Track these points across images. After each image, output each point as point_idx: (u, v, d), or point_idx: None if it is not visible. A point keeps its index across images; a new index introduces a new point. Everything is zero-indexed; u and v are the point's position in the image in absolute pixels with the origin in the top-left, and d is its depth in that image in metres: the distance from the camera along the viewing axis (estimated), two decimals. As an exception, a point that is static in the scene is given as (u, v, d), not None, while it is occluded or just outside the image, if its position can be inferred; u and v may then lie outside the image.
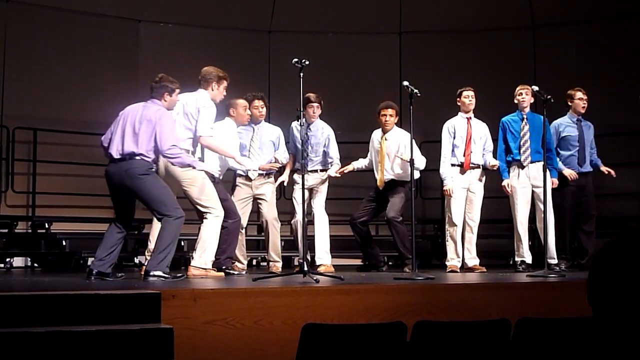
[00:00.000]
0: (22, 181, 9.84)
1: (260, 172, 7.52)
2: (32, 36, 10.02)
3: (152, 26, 10.83)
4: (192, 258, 6.47)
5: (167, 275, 5.88)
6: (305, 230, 6.53)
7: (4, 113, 9.80)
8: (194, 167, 6.32)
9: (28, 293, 4.50)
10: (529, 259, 7.82)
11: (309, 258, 7.67)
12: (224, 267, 6.89)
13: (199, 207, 6.46)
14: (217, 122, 6.98)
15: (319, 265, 7.55)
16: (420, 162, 7.74)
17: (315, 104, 7.78)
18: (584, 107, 8.12)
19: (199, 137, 6.56)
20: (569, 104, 8.15)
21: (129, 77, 10.32)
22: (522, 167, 7.80)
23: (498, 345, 3.96)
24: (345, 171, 7.89)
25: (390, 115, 7.84)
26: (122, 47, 10.58)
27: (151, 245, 6.43)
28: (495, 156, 7.94)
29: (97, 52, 10.30)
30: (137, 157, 6.00)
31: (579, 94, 8.13)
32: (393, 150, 7.83)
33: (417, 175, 7.83)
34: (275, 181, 7.79)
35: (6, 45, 9.83)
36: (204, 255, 6.41)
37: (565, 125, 8.12)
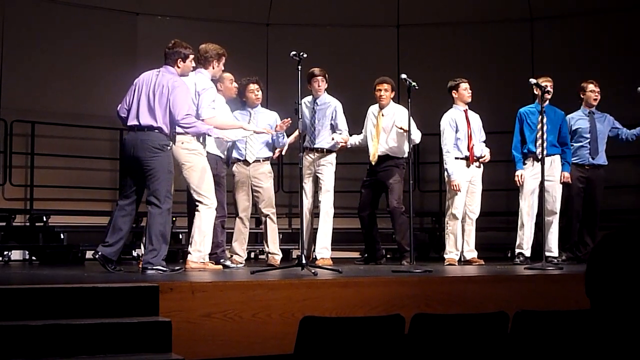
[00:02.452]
0: (20, 174, 9.83)
1: (258, 157, 7.51)
2: (30, 29, 10.00)
3: (150, 19, 10.79)
4: (189, 252, 6.46)
5: (165, 268, 5.86)
6: (303, 223, 6.50)
7: (2, 106, 9.79)
8: (209, 135, 6.34)
9: (26, 286, 4.50)
10: (528, 251, 7.79)
11: (313, 247, 7.69)
12: (221, 260, 6.90)
13: (194, 194, 6.43)
14: None
15: (317, 259, 7.54)
16: (416, 135, 7.69)
17: (320, 77, 7.79)
18: (595, 100, 8.06)
19: (203, 121, 6.55)
20: (581, 96, 8.09)
21: (127, 70, 10.22)
22: (538, 160, 7.76)
23: (496, 338, 3.96)
24: (343, 142, 7.80)
25: (386, 90, 7.82)
26: (120, 40, 10.55)
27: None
28: (510, 146, 7.92)
29: (96, 45, 10.28)
30: (155, 130, 5.98)
31: (591, 86, 8.07)
32: (389, 125, 7.80)
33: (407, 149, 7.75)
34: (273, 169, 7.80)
35: (4, 37, 9.82)
36: (201, 249, 6.40)
37: (577, 118, 8.08)
